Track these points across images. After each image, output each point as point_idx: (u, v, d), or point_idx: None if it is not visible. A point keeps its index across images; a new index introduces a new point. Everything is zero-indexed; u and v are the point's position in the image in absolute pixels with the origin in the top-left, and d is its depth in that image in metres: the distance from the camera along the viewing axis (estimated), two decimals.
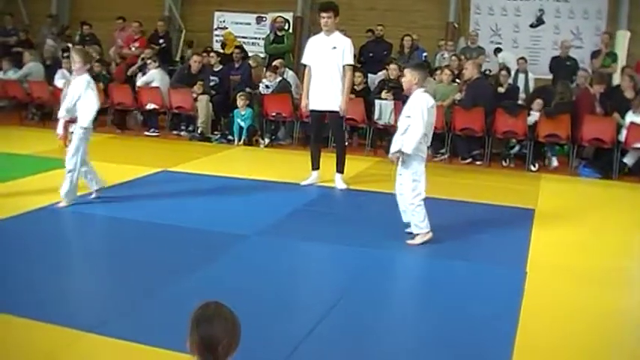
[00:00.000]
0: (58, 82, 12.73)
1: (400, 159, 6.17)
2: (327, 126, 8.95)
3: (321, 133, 8.93)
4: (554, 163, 10.76)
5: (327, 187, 8.47)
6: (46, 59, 14.22)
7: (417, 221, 6.20)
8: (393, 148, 6.25)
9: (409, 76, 6.26)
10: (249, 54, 14.16)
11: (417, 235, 6.22)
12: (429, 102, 6.13)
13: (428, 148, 6.37)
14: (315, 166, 8.66)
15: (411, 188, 6.17)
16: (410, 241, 6.21)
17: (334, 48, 8.20)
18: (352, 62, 8.41)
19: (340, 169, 8.54)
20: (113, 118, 13.01)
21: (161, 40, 14.89)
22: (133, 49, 14.59)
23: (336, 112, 8.32)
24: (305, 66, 8.52)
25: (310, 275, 5.78)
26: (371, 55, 13.53)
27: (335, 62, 8.18)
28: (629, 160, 10.20)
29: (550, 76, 13.00)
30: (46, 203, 7.12)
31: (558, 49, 13.62)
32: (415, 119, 6.06)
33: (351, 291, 5.16)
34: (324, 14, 8.21)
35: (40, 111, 13.67)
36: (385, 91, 11.32)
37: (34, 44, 15.75)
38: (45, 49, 14.75)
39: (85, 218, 6.85)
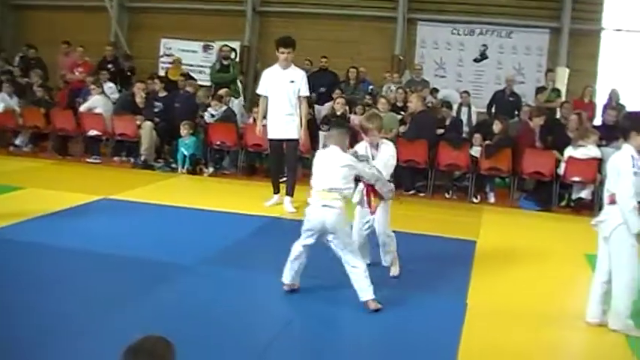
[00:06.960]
0: None
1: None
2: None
3: (281, 163, 9.25)
4: (492, 199, 10.82)
5: (271, 217, 8.47)
6: None
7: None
8: None
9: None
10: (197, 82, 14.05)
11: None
12: None
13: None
14: (276, 190, 9.12)
15: None
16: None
17: (292, 82, 8.68)
18: (308, 94, 9.02)
19: (290, 192, 8.92)
20: (54, 144, 12.78)
21: (110, 65, 14.72)
22: (77, 74, 14.40)
23: (294, 139, 8.80)
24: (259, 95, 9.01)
25: (252, 306, 5.66)
26: (315, 85, 13.54)
27: (293, 94, 8.66)
28: (585, 194, 10.28)
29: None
30: None
31: (501, 84, 13.88)
32: None
33: (292, 323, 5.14)
34: (284, 50, 8.59)
35: None
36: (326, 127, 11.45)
37: None
38: None
39: (19, 247, 6.58)
